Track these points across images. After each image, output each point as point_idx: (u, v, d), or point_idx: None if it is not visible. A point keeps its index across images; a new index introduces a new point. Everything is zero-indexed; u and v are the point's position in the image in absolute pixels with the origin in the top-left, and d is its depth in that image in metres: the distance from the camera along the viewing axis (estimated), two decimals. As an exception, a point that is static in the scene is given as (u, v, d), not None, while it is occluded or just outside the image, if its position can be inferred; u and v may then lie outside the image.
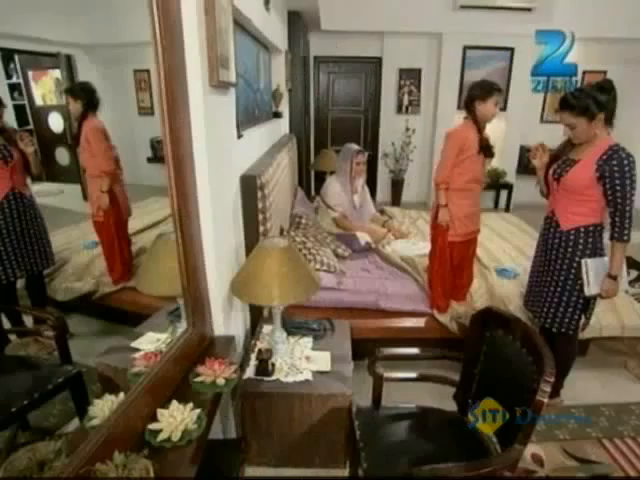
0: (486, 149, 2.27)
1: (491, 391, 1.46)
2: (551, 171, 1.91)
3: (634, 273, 3.72)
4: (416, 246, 3.25)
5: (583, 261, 1.82)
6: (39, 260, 1.66)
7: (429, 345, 1.80)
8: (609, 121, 1.75)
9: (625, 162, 1.68)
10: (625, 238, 1.74)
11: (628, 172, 1.68)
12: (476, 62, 5.33)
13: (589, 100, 1.70)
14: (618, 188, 1.69)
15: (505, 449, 1.29)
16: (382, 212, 4.08)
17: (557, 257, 1.90)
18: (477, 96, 2.21)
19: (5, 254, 1.50)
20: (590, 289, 1.84)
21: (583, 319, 1.96)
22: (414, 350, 1.80)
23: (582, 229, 1.82)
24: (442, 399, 1.70)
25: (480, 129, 2.24)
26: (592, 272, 1.82)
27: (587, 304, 1.92)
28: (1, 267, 1.49)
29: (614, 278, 1.80)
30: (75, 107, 1.65)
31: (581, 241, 1.83)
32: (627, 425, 2.07)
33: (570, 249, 1.85)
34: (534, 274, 2.11)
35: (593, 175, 1.74)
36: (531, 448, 1.82)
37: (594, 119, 1.71)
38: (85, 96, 1.64)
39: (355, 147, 3.46)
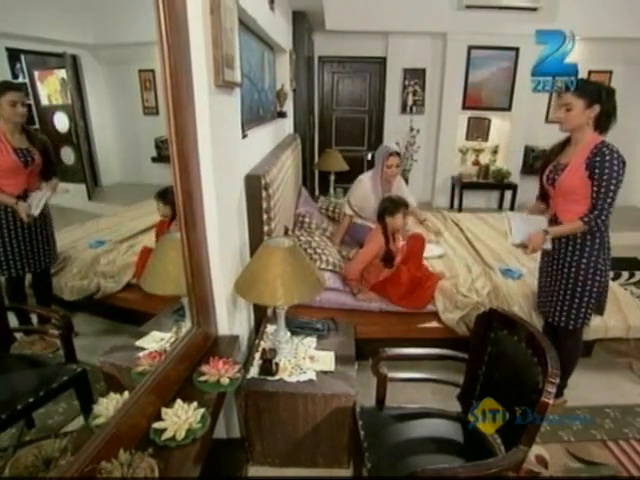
0: (386, 260, 2.48)
1: (495, 392, 1.46)
2: (545, 178, 1.98)
3: (638, 274, 3.71)
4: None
5: (504, 214, 1.97)
6: (43, 258, 1.68)
7: (433, 345, 1.78)
8: (603, 125, 1.80)
9: (608, 157, 1.72)
10: (588, 225, 1.78)
11: (609, 167, 1.71)
12: (481, 62, 5.31)
13: (592, 87, 1.79)
14: (603, 183, 1.73)
15: (509, 450, 1.29)
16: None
17: (566, 255, 1.91)
18: (386, 211, 2.48)
19: (10, 250, 1.53)
20: (513, 238, 1.94)
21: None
22: (418, 350, 1.80)
23: None
24: (446, 400, 1.70)
25: (387, 241, 2.47)
26: (514, 225, 1.95)
27: (598, 299, 1.93)
28: (6, 262, 1.52)
29: (546, 233, 1.88)
30: (164, 210, 1.75)
31: (588, 237, 1.84)
32: (632, 427, 2.05)
33: (579, 246, 1.86)
34: (542, 274, 2.11)
35: (584, 174, 1.78)
36: (535, 449, 1.81)
37: (590, 107, 1.76)
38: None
39: (390, 148, 3.05)
